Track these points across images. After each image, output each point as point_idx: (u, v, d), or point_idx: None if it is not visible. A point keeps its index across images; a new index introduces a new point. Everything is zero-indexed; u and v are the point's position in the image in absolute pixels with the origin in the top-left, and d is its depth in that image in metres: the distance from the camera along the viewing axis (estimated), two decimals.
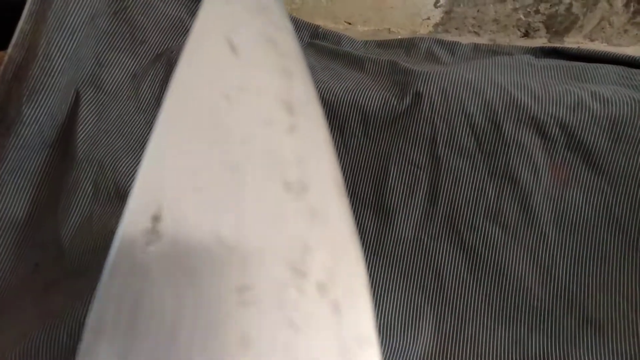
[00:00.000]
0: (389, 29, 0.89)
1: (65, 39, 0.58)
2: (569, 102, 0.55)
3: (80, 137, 0.57)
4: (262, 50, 0.17)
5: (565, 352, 0.51)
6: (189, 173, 0.15)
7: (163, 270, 0.14)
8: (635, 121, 0.53)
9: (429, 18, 0.86)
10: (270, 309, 0.14)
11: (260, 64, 0.17)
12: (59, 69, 0.57)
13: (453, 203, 0.56)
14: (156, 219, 0.14)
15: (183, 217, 0.15)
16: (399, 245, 0.57)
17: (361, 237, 0.58)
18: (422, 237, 0.57)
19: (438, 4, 0.84)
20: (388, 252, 0.57)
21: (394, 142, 0.58)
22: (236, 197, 0.15)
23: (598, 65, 0.65)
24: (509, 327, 0.53)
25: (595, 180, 0.54)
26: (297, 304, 0.15)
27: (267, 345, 0.14)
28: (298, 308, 0.15)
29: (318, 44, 0.75)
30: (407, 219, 0.57)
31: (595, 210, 0.53)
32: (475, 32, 0.86)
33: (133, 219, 0.14)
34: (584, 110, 0.54)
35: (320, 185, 0.16)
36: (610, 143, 0.54)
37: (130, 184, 0.55)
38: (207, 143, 0.16)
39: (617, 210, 0.53)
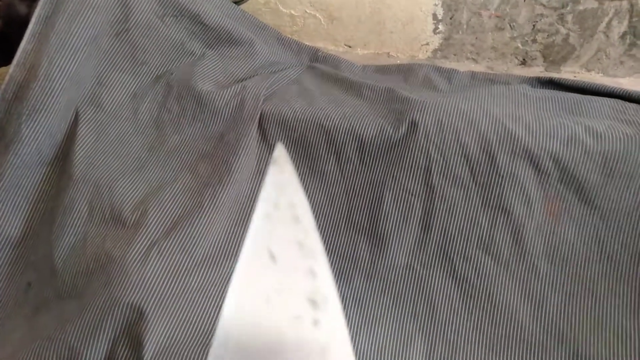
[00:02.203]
0: (388, 53, 0.90)
1: (67, 59, 0.59)
2: (562, 136, 0.56)
3: (78, 157, 0.58)
4: (293, 255, 0.21)
5: None
6: None
7: None
8: (628, 157, 0.54)
9: (427, 44, 0.87)
10: None
11: (292, 268, 0.21)
12: (59, 89, 0.58)
13: (446, 232, 0.57)
14: None
15: None
16: (392, 272, 0.57)
17: (354, 263, 0.58)
18: (415, 265, 0.57)
19: (437, 31, 0.85)
20: (381, 278, 0.57)
21: (389, 169, 0.58)
22: None
23: (593, 97, 0.65)
24: (500, 358, 0.53)
25: (588, 215, 0.54)
26: None
27: None
28: None
29: (317, 67, 0.76)
30: (401, 246, 0.57)
31: (587, 245, 0.54)
32: (473, 59, 0.87)
33: None
34: (577, 145, 0.55)
35: None
36: (603, 178, 0.54)
37: (125, 206, 0.55)
38: (248, 337, 0.19)
39: (609, 245, 0.53)
